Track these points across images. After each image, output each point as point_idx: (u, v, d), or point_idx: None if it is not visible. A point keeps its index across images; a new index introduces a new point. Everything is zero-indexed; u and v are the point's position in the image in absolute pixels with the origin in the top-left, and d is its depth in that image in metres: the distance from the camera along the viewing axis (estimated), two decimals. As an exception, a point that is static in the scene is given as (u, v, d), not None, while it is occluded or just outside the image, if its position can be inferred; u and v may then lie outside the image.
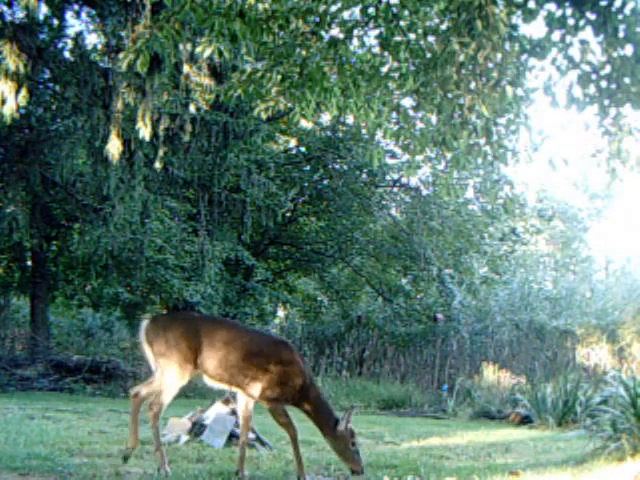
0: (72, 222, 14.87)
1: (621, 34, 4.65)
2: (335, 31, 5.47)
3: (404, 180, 18.37)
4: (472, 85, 4.70)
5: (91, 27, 13.74)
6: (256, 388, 5.09)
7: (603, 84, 4.81)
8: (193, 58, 10.94)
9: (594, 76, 4.79)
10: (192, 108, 13.42)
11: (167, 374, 5.07)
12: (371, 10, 5.28)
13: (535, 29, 27.03)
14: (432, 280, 18.34)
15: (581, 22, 4.68)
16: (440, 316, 17.97)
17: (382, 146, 14.79)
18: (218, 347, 5.10)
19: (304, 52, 5.34)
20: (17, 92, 9.31)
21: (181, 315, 5.59)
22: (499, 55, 4.64)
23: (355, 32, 5.45)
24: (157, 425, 5.14)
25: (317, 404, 5.17)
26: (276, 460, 5.91)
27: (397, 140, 5.64)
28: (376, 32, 5.37)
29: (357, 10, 5.39)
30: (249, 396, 5.20)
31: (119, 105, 10.43)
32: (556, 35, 4.77)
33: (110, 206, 12.20)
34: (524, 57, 4.90)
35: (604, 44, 4.69)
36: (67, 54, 12.34)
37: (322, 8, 5.19)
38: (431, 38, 5.35)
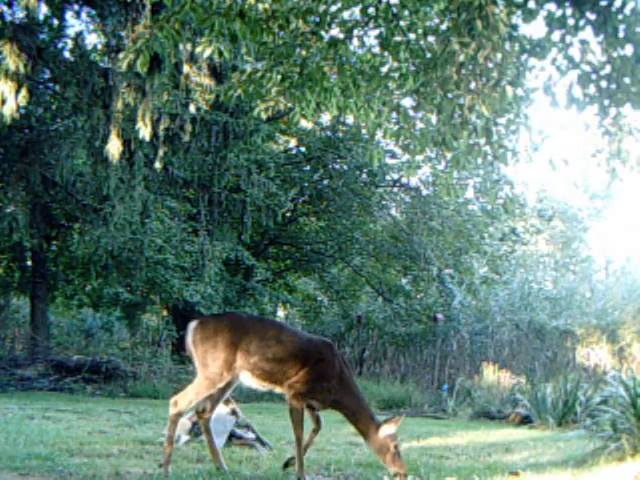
0: (72, 222, 14.88)
1: (621, 34, 4.65)
2: (335, 31, 5.47)
3: (404, 180, 18.37)
4: (472, 85, 4.70)
5: (91, 27, 13.75)
6: (289, 382, 5.13)
7: (603, 84, 4.81)
8: (193, 58, 10.94)
9: (594, 76, 4.79)
10: (192, 108, 13.42)
11: (207, 375, 5.06)
12: (371, 10, 5.28)
13: (535, 29, 27.02)
14: (432, 280, 18.34)
15: (581, 22, 4.68)
16: (440, 316, 17.97)
17: (382, 146, 14.78)
18: (266, 347, 5.12)
19: (304, 52, 5.34)
20: (17, 92, 9.32)
21: (229, 317, 5.62)
22: (499, 55, 4.63)
23: (355, 32, 5.44)
24: (177, 425, 5.14)
25: (354, 409, 5.20)
26: (276, 460, 5.91)
27: (397, 140, 5.64)
28: (376, 32, 5.38)
29: (357, 10, 5.39)
30: (284, 391, 5.22)
31: (119, 105, 10.44)
32: (556, 35, 4.77)
33: (110, 206, 12.21)
34: (524, 57, 4.90)
35: (604, 44, 4.69)
36: (67, 54, 12.35)
37: (322, 8, 5.19)
38: (431, 38, 5.35)
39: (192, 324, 5.24)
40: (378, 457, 5.16)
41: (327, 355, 5.22)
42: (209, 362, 5.06)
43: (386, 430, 5.02)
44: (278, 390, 5.25)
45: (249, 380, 5.20)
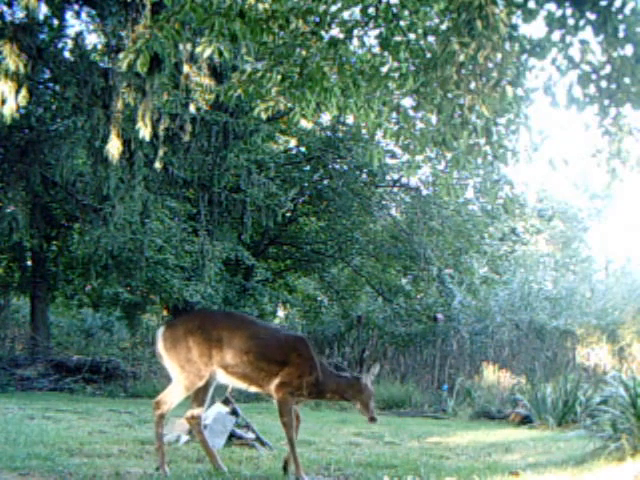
0: (72, 222, 14.89)
1: (621, 34, 4.65)
2: (335, 31, 5.47)
3: (404, 180, 18.36)
4: (472, 85, 4.70)
5: (91, 27, 13.76)
6: (273, 382, 5.18)
7: (603, 84, 4.80)
8: (193, 58, 10.94)
9: (594, 76, 4.79)
10: (192, 108, 13.41)
11: (185, 376, 5.07)
12: (371, 10, 5.28)
13: (535, 29, 27.02)
14: (432, 280, 18.33)
15: (581, 22, 4.67)
16: (440, 316, 17.96)
17: (382, 146, 14.78)
18: (239, 344, 5.15)
19: (304, 52, 5.34)
20: (17, 92, 9.31)
21: (198, 315, 5.59)
22: (499, 55, 4.63)
23: (355, 32, 5.45)
24: (162, 424, 5.14)
25: (337, 389, 5.35)
26: (276, 460, 5.91)
27: (397, 140, 5.64)
28: (376, 32, 5.38)
29: (357, 10, 5.39)
30: (265, 392, 5.27)
31: (119, 105, 10.43)
32: (556, 35, 4.76)
33: (110, 206, 12.21)
34: (524, 57, 4.90)
35: (604, 44, 4.69)
36: (67, 54, 12.34)
37: (322, 8, 5.19)
38: (431, 38, 5.35)
39: (160, 330, 5.23)
40: (358, 406, 5.35)
41: (304, 350, 5.30)
42: (184, 363, 5.05)
43: (367, 379, 5.30)
44: (254, 389, 5.30)
45: (224, 378, 5.21)
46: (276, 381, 5.16)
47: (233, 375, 5.16)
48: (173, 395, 5.10)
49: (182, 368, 5.07)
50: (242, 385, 5.26)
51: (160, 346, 5.16)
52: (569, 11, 4.69)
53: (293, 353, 5.25)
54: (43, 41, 11.83)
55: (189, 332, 5.11)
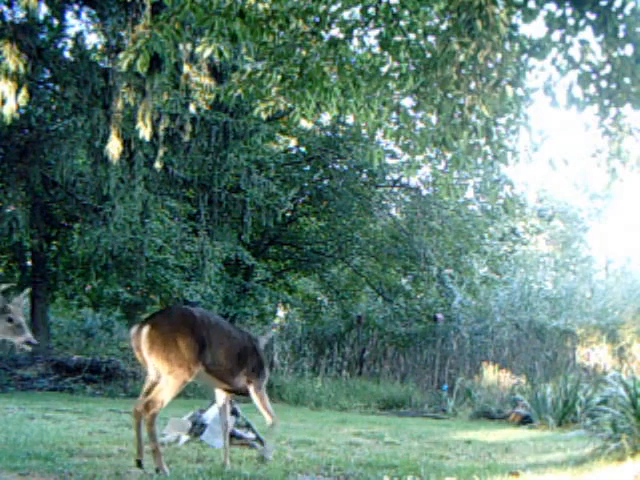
0: (72, 222, 14.87)
1: (621, 34, 4.65)
2: (335, 31, 5.48)
3: (404, 180, 18.38)
4: (472, 85, 4.70)
5: (91, 27, 13.75)
6: (242, 380, 5.41)
7: (603, 84, 4.81)
8: (193, 58, 10.93)
9: (594, 76, 4.79)
10: (192, 108, 13.42)
11: (177, 373, 5.06)
12: (371, 10, 5.29)
13: (535, 29, 27.02)
14: (432, 280, 18.34)
15: (581, 22, 4.68)
16: (440, 316, 17.96)
17: (382, 146, 14.80)
18: (219, 342, 5.26)
19: (304, 52, 5.35)
20: (17, 92, 9.30)
21: (179, 314, 5.54)
22: (499, 55, 4.64)
23: (355, 32, 5.45)
24: (156, 424, 5.13)
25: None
26: (276, 460, 5.90)
27: (397, 140, 5.65)
28: (376, 32, 5.38)
29: (357, 10, 5.40)
30: (230, 388, 5.41)
31: (119, 105, 10.43)
32: (556, 35, 4.77)
33: (110, 206, 12.21)
34: (524, 57, 4.90)
35: (604, 44, 4.69)
36: (67, 54, 12.35)
37: (322, 8, 5.19)
38: (431, 38, 5.35)
39: (144, 330, 5.11)
40: None
41: (257, 346, 5.60)
42: (175, 362, 5.04)
43: (262, 341, 5.72)
44: (223, 387, 5.43)
45: (202, 375, 5.27)
46: (248, 378, 5.41)
47: (210, 372, 5.24)
48: (164, 394, 5.07)
49: (173, 367, 5.04)
50: (213, 382, 5.38)
51: (146, 346, 5.07)
52: (569, 11, 4.69)
53: (252, 350, 5.50)
54: (43, 41, 11.84)
55: (177, 331, 5.10)
